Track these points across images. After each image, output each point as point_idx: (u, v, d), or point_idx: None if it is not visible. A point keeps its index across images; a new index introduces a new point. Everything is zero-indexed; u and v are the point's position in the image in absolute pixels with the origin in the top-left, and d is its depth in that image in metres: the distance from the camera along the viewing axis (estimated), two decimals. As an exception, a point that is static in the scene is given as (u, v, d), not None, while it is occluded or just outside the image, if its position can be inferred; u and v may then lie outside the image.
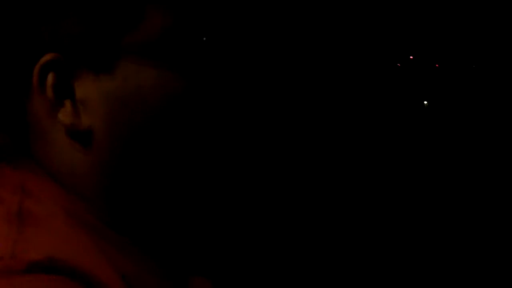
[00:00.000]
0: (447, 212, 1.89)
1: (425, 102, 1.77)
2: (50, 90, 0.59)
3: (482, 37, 1.64)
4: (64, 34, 0.58)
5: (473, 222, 1.88)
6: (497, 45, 1.64)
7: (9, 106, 0.61)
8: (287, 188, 1.83)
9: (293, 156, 1.82)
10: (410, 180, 1.91)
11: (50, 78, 0.59)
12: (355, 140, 1.85)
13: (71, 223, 0.58)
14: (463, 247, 1.86)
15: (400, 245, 1.89)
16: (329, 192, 1.87)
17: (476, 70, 1.70)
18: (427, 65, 1.72)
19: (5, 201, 0.57)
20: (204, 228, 0.75)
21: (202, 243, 0.74)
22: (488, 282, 1.82)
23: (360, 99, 1.76)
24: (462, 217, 1.89)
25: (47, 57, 0.58)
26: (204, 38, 0.59)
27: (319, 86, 1.71)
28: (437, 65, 1.64)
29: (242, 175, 1.72)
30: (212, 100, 0.61)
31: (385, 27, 1.62)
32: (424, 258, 1.88)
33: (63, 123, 0.59)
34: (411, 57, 1.66)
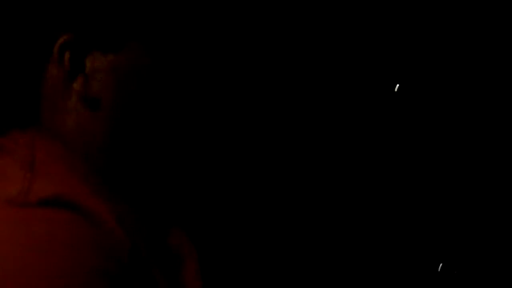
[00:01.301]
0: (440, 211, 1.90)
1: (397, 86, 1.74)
2: (66, 63, 0.73)
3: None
4: (80, 19, 0.73)
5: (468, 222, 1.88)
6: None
7: (25, 77, 0.75)
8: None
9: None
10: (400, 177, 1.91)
11: (67, 54, 0.73)
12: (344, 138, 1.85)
13: (74, 175, 0.72)
14: (460, 247, 1.86)
15: (400, 244, 1.89)
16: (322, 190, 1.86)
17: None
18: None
19: (19, 153, 0.71)
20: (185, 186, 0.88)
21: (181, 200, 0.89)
22: (488, 282, 1.81)
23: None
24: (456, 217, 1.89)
25: (65, 37, 0.72)
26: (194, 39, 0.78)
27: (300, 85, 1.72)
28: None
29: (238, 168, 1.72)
30: (191, 85, 0.79)
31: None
32: (422, 258, 1.88)
33: (76, 90, 0.73)
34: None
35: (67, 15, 0.73)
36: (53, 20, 0.73)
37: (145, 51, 0.75)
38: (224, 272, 1.57)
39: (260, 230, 1.73)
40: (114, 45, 0.73)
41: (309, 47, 1.75)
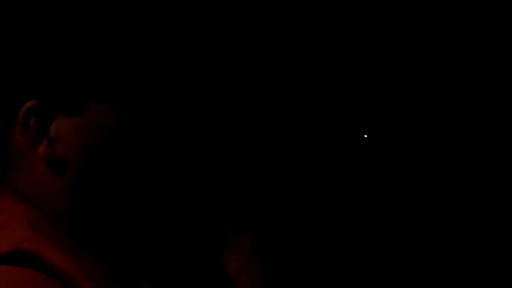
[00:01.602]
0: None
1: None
2: (32, 129, 0.74)
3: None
4: (43, 84, 0.74)
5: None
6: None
7: None
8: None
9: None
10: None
11: (32, 120, 0.74)
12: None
13: (36, 232, 0.72)
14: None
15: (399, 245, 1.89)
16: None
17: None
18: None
19: None
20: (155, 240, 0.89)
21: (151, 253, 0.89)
22: (488, 282, 1.81)
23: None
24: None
25: (29, 103, 0.74)
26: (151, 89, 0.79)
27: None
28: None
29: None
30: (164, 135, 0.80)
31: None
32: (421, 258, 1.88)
33: (42, 154, 0.75)
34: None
35: (31, 80, 0.74)
36: (17, 84, 0.75)
37: (108, 112, 0.76)
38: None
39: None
40: (78, 107, 0.75)
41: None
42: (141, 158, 0.78)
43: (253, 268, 0.85)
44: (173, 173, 0.82)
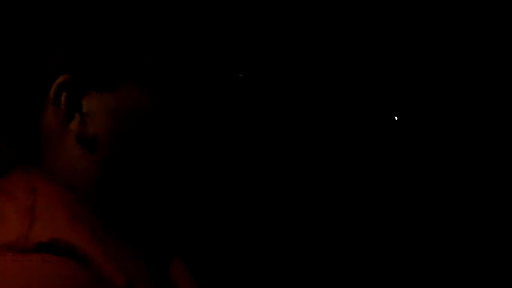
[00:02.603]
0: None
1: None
2: (63, 104, 0.74)
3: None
4: (76, 60, 0.74)
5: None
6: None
7: (24, 118, 0.76)
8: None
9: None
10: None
11: (63, 95, 0.74)
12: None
13: (71, 218, 0.72)
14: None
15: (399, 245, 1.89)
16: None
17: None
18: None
19: (20, 199, 0.71)
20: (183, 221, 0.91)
21: (181, 235, 0.91)
22: (488, 282, 1.83)
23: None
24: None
25: (61, 78, 0.73)
26: (187, 73, 0.80)
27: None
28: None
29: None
30: (190, 117, 0.81)
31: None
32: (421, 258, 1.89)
33: (73, 131, 0.74)
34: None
35: (63, 56, 0.74)
36: (49, 61, 0.74)
37: (140, 90, 0.75)
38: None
39: (260, 259, 1.74)
40: (110, 85, 0.74)
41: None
42: (167, 140, 0.78)
43: None
44: (191, 158, 0.82)
